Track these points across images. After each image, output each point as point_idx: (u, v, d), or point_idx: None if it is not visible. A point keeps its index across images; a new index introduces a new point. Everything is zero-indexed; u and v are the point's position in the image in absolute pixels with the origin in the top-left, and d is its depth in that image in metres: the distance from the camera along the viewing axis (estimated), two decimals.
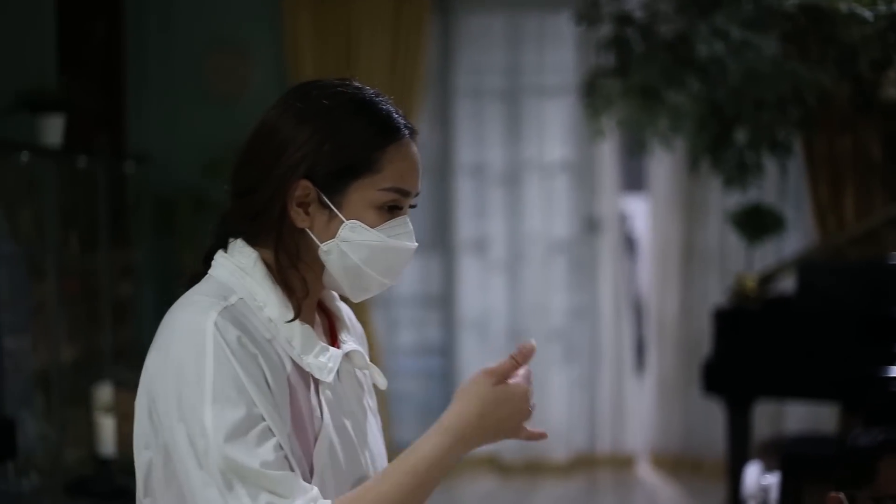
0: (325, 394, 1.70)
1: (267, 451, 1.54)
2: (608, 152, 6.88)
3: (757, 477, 3.16)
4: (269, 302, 1.65)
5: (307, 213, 1.66)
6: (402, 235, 1.68)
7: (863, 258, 5.73)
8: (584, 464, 6.97)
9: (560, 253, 7.02)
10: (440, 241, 6.99)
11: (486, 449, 6.99)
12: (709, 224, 6.80)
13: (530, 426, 1.71)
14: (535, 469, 6.91)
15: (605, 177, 6.96)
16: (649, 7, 5.72)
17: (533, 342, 1.70)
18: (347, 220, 1.65)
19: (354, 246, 1.66)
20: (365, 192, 1.65)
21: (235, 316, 1.60)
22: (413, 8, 6.62)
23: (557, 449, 6.96)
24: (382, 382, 1.81)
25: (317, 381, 1.69)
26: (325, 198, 1.65)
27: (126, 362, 5.77)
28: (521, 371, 1.69)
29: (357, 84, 1.72)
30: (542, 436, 1.74)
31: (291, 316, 1.65)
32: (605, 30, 5.83)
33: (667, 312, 6.92)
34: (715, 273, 6.78)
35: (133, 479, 4.70)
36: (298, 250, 1.67)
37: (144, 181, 6.23)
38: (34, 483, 4.63)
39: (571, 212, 7.01)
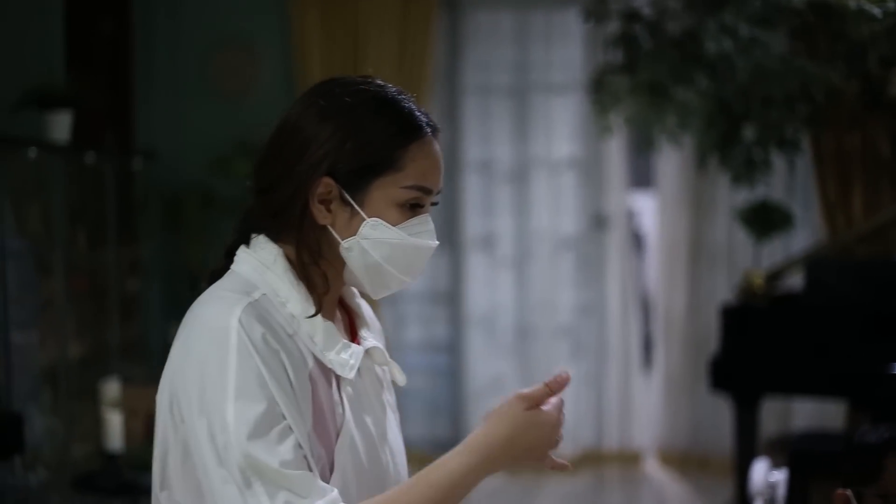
0: (346, 390, 1.70)
1: (287, 449, 1.54)
2: (616, 149, 6.87)
3: (764, 474, 3.16)
4: (291, 298, 1.66)
5: (329, 211, 1.67)
6: (423, 234, 1.69)
7: (871, 255, 5.72)
8: (590, 460, 6.96)
9: (567, 250, 7.02)
10: (447, 237, 6.98)
11: None
12: (717, 221, 6.79)
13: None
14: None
15: (613, 174, 6.95)
16: (657, 4, 5.71)
17: (568, 372, 1.71)
18: (369, 217, 1.66)
19: (375, 243, 1.66)
20: (387, 189, 1.66)
21: (259, 312, 1.61)
22: (420, 5, 6.61)
23: (564, 445, 6.88)
24: (402, 379, 1.83)
25: (338, 378, 1.70)
26: (347, 195, 1.66)
27: (133, 358, 5.79)
28: (554, 399, 1.69)
29: (379, 82, 1.72)
30: (564, 467, 1.75)
31: (313, 311, 1.66)
32: (613, 26, 5.83)
33: (674, 309, 6.92)
34: (723, 270, 6.77)
35: (139, 475, 4.69)
36: (320, 247, 1.68)
37: (152, 178, 6.24)
38: (41, 478, 4.63)
39: (579, 209, 7.00)
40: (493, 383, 7.03)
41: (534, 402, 1.67)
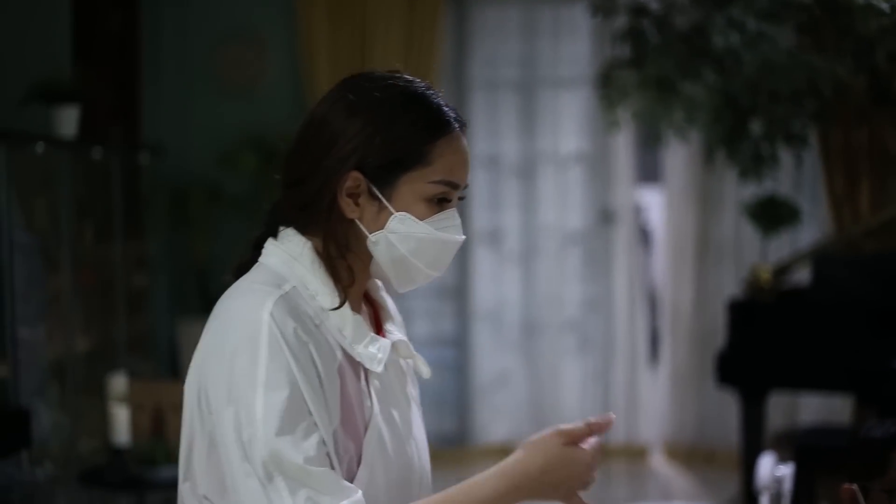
0: (374, 383, 1.71)
1: (311, 445, 1.54)
2: (623, 144, 6.86)
3: (770, 468, 3.15)
4: (320, 291, 1.66)
5: (357, 204, 1.67)
6: (450, 228, 1.69)
7: (878, 250, 5.71)
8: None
9: (574, 245, 7.01)
10: None
11: (498, 438, 6.99)
12: (724, 216, 6.78)
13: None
14: None
15: (620, 168, 6.94)
16: None
17: (613, 416, 1.72)
18: (397, 211, 1.66)
19: (402, 237, 1.67)
20: (414, 184, 1.66)
21: (290, 304, 1.61)
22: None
23: None
24: (426, 371, 1.83)
25: (366, 371, 1.71)
26: (375, 189, 1.66)
27: (140, 353, 5.80)
28: (592, 440, 1.70)
29: (408, 77, 1.73)
30: None
31: (343, 303, 1.66)
32: (621, 21, 5.83)
33: (681, 304, 6.91)
34: (730, 265, 6.76)
35: (146, 469, 4.69)
36: (347, 240, 1.69)
37: (159, 172, 6.24)
38: (48, 472, 4.64)
39: (586, 203, 6.99)
40: (500, 378, 7.04)
41: (572, 439, 1.68)
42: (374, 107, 1.66)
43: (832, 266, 5.51)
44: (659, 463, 6.97)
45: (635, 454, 6.99)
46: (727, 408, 6.41)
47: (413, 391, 1.86)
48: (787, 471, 3.15)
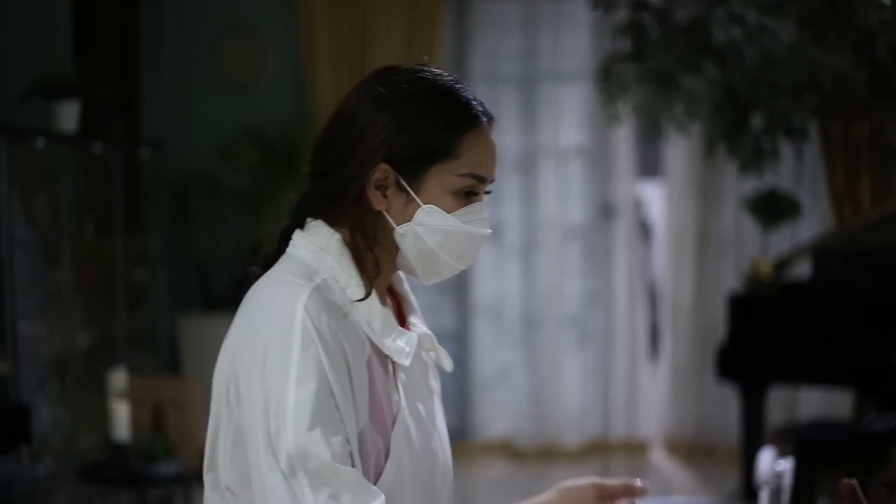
0: (401, 377, 1.73)
1: (338, 443, 1.55)
2: (624, 138, 6.86)
3: (770, 463, 3.15)
4: (350, 283, 1.67)
5: (385, 196, 1.68)
6: (476, 222, 1.70)
7: (878, 244, 5.71)
8: (597, 449, 6.97)
9: (575, 239, 7.01)
10: None
11: (499, 434, 7.00)
12: (724, 209, 6.78)
13: None
14: (548, 455, 6.91)
15: (621, 162, 6.94)
16: None
17: (648, 487, 1.77)
18: (424, 204, 1.67)
19: (430, 230, 1.67)
20: (442, 177, 1.67)
21: (323, 297, 1.62)
22: None
23: (571, 434, 6.96)
24: (448, 364, 1.84)
25: (394, 365, 1.72)
26: (403, 181, 1.67)
27: (141, 348, 5.79)
28: (625, 502, 1.74)
29: (436, 70, 1.74)
30: None
31: (368, 294, 1.67)
32: (621, 15, 5.82)
33: (681, 298, 6.91)
34: (730, 259, 6.76)
35: (146, 465, 4.69)
36: (375, 232, 1.69)
37: (159, 167, 6.24)
38: (48, 468, 4.64)
39: (586, 197, 6.99)
40: (500, 372, 7.04)
41: (606, 494, 1.73)
42: (404, 100, 1.67)
43: (833, 260, 5.51)
44: (659, 458, 6.97)
45: (635, 449, 7.00)
46: (727, 402, 6.41)
47: (435, 384, 1.87)
48: (787, 465, 3.15)
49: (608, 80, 5.84)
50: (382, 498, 1.55)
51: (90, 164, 5.35)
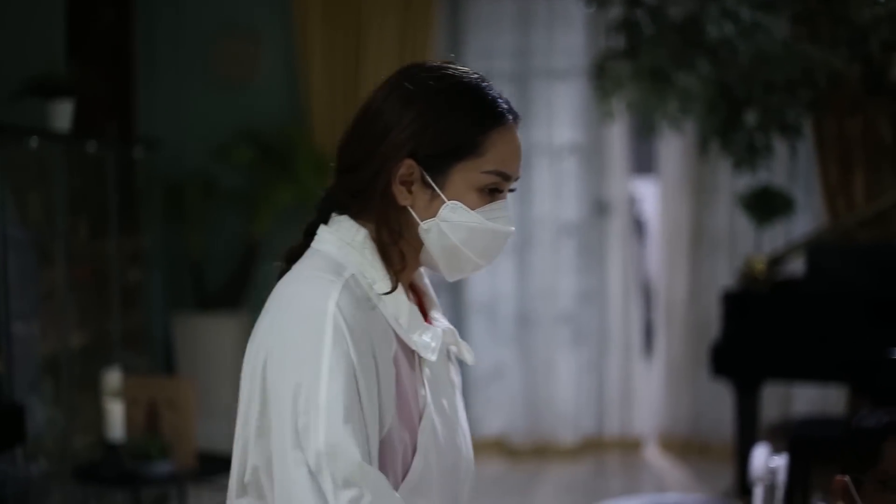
0: (426, 372, 1.74)
1: (363, 442, 1.56)
2: (617, 135, 6.86)
3: (765, 459, 3.16)
4: (377, 278, 1.68)
5: (410, 192, 1.69)
6: (500, 219, 1.71)
7: (872, 240, 5.71)
8: (592, 447, 6.97)
9: (569, 236, 7.01)
10: None
11: (494, 432, 7.00)
12: (718, 206, 6.78)
13: None
14: (543, 452, 6.91)
15: (615, 159, 6.94)
16: None
17: None
18: (449, 200, 1.68)
19: (454, 226, 1.69)
20: (467, 174, 1.68)
21: (353, 293, 1.63)
22: None
23: (565, 432, 6.97)
24: (471, 359, 1.86)
25: (420, 360, 1.73)
26: (427, 177, 1.68)
27: (135, 348, 5.79)
28: None
29: (462, 68, 1.75)
30: None
31: (395, 288, 1.68)
32: (615, 12, 5.82)
33: (675, 295, 6.91)
34: (724, 255, 6.76)
35: (141, 465, 4.67)
36: (400, 227, 1.70)
37: (153, 167, 6.24)
38: (43, 468, 4.64)
39: (580, 195, 6.99)
40: (495, 370, 7.04)
41: None
42: (429, 96, 1.68)
43: (826, 256, 5.51)
44: (653, 455, 6.98)
45: (629, 446, 7.00)
46: (721, 399, 6.42)
47: (456, 378, 1.89)
48: (781, 462, 3.16)
49: (602, 77, 5.84)
50: None
51: (84, 164, 5.34)
